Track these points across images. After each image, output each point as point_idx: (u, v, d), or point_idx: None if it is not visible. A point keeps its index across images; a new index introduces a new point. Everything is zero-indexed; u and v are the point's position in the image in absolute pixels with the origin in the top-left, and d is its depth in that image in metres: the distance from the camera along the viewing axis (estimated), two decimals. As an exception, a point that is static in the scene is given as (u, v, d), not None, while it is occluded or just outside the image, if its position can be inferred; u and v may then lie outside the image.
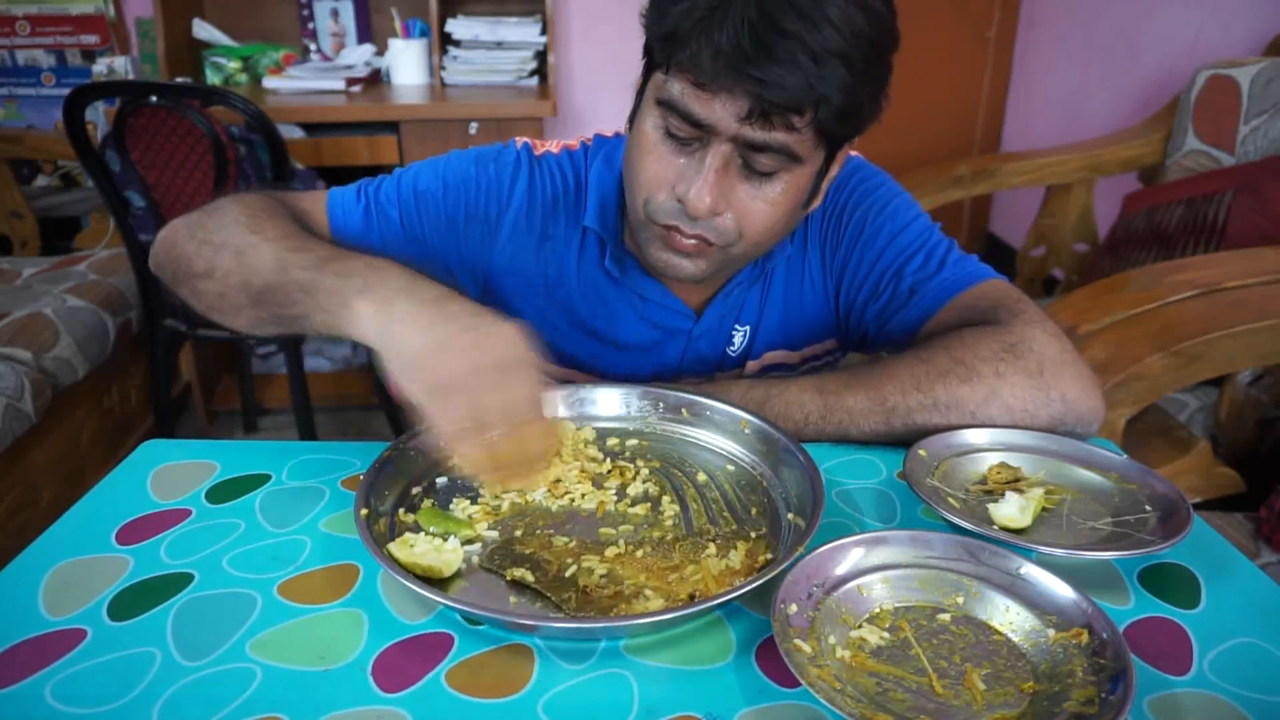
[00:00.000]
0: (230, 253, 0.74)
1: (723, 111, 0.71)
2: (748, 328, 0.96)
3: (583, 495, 0.72)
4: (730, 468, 0.76)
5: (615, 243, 0.91)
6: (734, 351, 0.96)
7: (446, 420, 0.61)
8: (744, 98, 0.69)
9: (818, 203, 0.85)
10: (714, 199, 0.74)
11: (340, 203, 0.89)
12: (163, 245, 0.82)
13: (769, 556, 0.64)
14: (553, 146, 0.94)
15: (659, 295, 0.92)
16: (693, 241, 0.78)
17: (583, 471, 0.75)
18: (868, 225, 0.91)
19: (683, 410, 0.81)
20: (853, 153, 0.93)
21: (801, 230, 0.94)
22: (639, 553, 0.65)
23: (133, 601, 0.60)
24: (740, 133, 0.72)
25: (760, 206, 0.77)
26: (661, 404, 0.81)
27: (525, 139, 0.95)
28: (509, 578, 0.62)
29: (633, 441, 0.80)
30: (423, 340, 0.63)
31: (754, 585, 0.57)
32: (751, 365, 0.97)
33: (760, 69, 0.67)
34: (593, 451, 0.78)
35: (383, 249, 0.86)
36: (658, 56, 0.74)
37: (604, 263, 0.92)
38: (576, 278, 0.93)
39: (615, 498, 0.72)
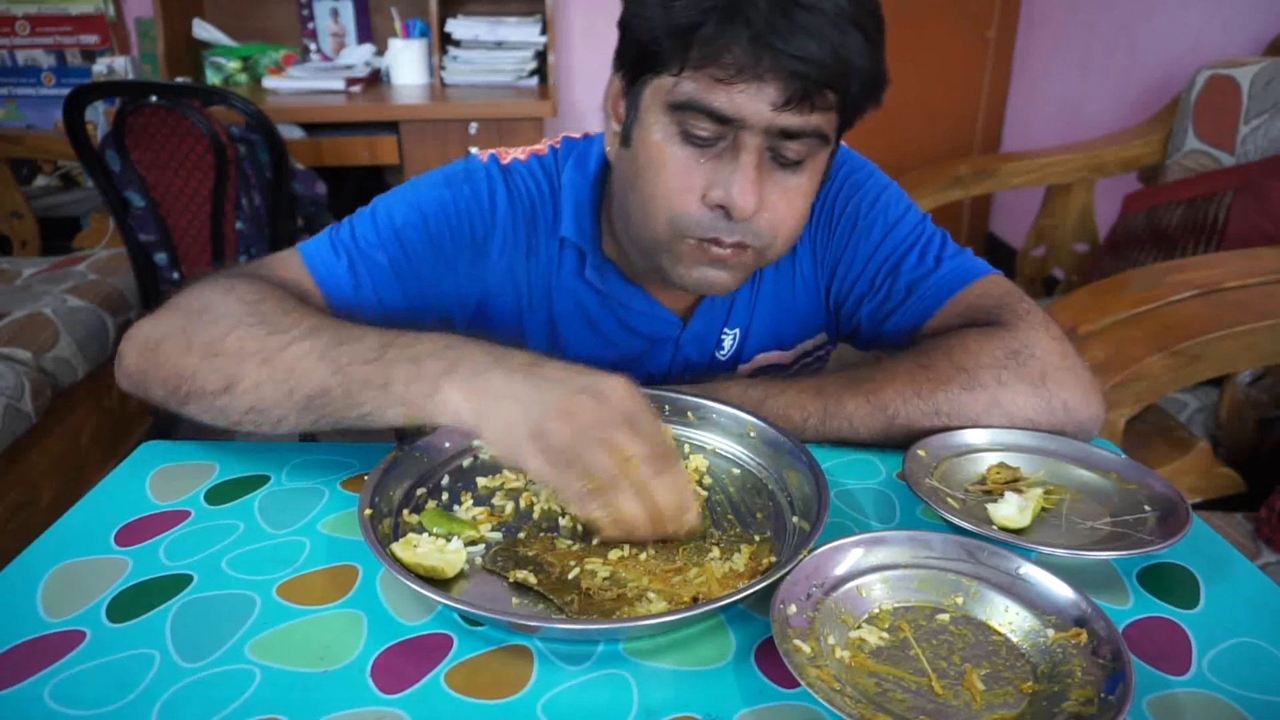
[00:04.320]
0: (255, 361, 0.68)
1: (755, 102, 0.67)
2: (738, 330, 0.93)
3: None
4: (736, 471, 0.76)
5: (595, 251, 0.87)
6: (724, 355, 0.94)
7: (573, 489, 0.60)
8: (781, 81, 0.66)
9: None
10: (758, 197, 0.71)
11: (322, 263, 0.82)
12: (142, 357, 0.73)
13: (773, 559, 0.64)
14: (519, 154, 0.89)
15: (644, 304, 0.89)
16: (730, 250, 0.74)
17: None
18: (861, 219, 0.89)
19: (688, 414, 0.80)
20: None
21: None
22: (642, 555, 0.64)
23: (131, 603, 0.60)
24: (774, 121, 0.68)
25: (795, 200, 0.74)
26: (668, 408, 0.80)
27: (490, 150, 0.89)
28: (511, 579, 0.62)
29: None
30: (528, 412, 0.60)
31: (756, 588, 0.56)
32: (743, 369, 0.95)
33: (796, 47, 0.64)
34: None
35: (378, 299, 0.82)
36: (666, 56, 0.69)
37: (584, 273, 0.88)
38: (558, 290, 0.89)
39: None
